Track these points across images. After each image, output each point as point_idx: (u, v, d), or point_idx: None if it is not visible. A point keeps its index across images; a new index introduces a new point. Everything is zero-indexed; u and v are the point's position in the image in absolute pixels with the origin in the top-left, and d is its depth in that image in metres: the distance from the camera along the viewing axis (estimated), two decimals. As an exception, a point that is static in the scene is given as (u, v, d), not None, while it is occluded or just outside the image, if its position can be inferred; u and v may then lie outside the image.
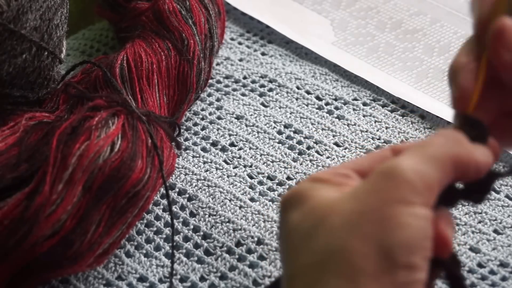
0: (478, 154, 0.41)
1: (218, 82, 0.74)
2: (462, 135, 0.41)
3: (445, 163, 0.40)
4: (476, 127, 0.42)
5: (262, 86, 0.73)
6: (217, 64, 0.76)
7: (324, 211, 0.40)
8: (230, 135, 0.69)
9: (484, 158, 0.41)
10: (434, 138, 0.41)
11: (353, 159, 0.46)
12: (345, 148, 0.67)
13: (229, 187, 0.64)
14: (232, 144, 0.68)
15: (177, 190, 0.64)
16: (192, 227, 0.61)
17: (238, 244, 0.60)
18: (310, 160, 0.66)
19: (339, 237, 0.39)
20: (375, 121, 0.70)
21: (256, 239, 0.60)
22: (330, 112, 0.71)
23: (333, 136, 0.68)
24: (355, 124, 0.69)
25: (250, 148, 0.68)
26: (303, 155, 0.67)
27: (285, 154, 0.67)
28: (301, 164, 0.66)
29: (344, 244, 0.39)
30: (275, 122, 0.70)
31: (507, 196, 0.63)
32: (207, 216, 0.62)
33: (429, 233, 0.39)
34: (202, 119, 0.70)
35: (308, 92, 0.73)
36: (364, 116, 0.70)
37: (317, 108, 0.71)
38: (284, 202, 0.43)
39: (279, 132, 0.69)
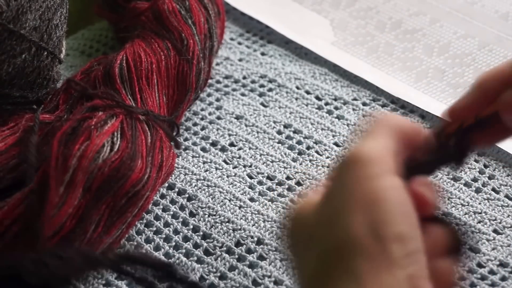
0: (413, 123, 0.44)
1: (218, 82, 0.74)
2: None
3: (392, 132, 0.42)
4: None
5: (261, 86, 0.73)
6: (217, 64, 0.76)
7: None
8: (229, 135, 0.69)
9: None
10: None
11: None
12: (345, 148, 0.67)
13: (228, 187, 0.64)
14: (231, 144, 0.68)
15: (176, 190, 0.64)
16: (191, 227, 0.61)
17: (238, 244, 0.60)
18: (310, 160, 0.66)
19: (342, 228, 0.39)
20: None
21: (255, 239, 0.60)
22: (329, 112, 0.71)
23: (333, 136, 0.68)
24: (354, 124, 0.69)
25: (249, 148, 0.67)
26: (303, 155, 0.67)
27: (285, 154, 0.67)
28: (300, 164, 0.66)
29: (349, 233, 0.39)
30: (274, 122, 0.70)
31: (506, 196, 0.63)
32: (206, 216, 0.62)
33: (405, 198, 0.39)
34: (202, 119, 0.70)
35: (307, 92, 0.73)
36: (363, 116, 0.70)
37: (316, 108, 0.71)
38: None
39: (279, 132, 0.69)
